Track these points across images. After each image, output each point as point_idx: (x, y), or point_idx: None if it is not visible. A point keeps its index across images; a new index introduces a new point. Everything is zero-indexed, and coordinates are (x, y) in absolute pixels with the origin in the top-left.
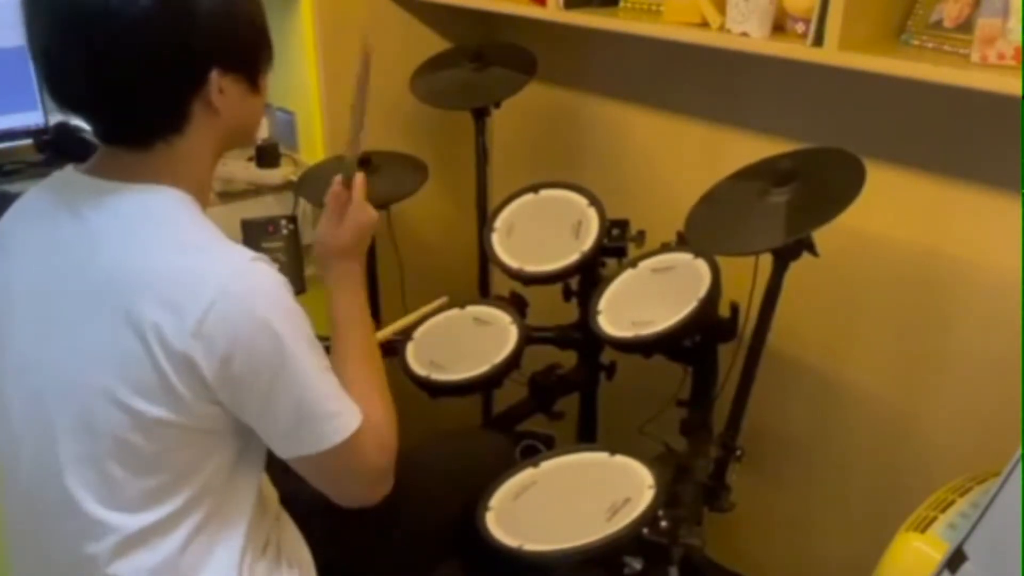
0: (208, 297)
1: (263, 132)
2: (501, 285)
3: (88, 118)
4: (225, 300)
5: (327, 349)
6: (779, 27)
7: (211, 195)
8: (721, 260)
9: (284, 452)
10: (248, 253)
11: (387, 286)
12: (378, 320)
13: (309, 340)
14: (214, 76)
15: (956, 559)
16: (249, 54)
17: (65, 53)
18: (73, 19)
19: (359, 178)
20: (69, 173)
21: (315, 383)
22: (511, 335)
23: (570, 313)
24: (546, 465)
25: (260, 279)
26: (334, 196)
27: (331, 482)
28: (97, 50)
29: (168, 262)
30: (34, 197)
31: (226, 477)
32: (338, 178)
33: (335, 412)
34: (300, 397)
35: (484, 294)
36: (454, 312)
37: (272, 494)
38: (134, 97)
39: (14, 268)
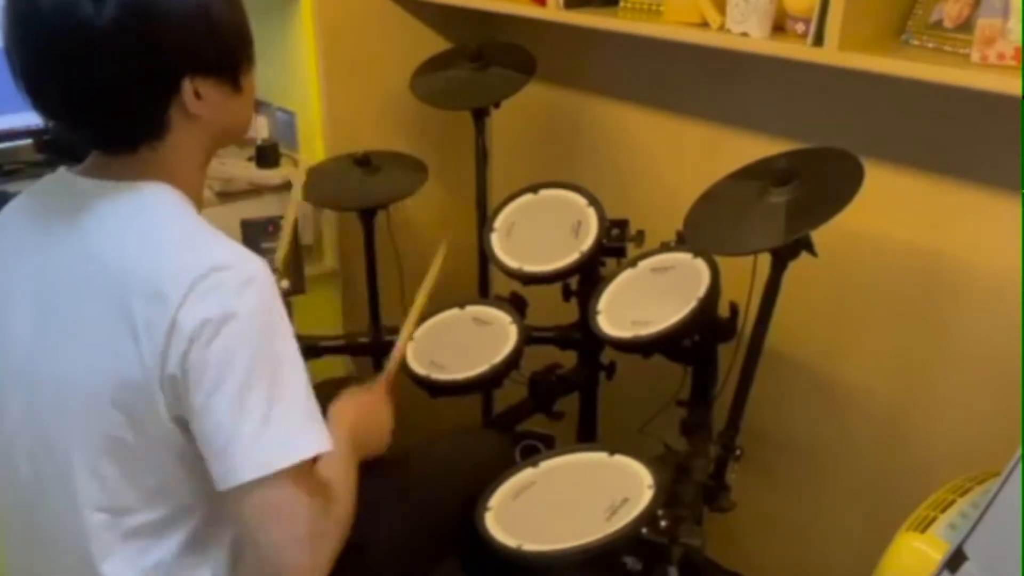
0: (184, 290)
1: (263, 132)
2: (501, 285)
3: (68, 127)
4: (199, 294)
5: (322, 350)
6: (779, 27)
7: (209, 197)
8: (720, 260)
9: (241, 473)
10: (243, 252)
11: (387, 286)
12: (377, 324)
13: (287, 346)
14: (187, 83)
15: (956, 559)
16: (226, 57)
17: (37, 65)
18: (41, 32)
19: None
20: (62, 174)
21: (290, 389)
22: (511, 335)
23: (570, 313)
24: (545, 465)
25: (244, 277)
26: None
27: (258, 522)
28: (65, 62)
29: (157, 257)
30: (26, 200)
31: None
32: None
33: (299, 426)
34: (272, 399)
35: (484, 294)
36: (454, 312)
37: None
38: (107, 107)
39: (10, 268)
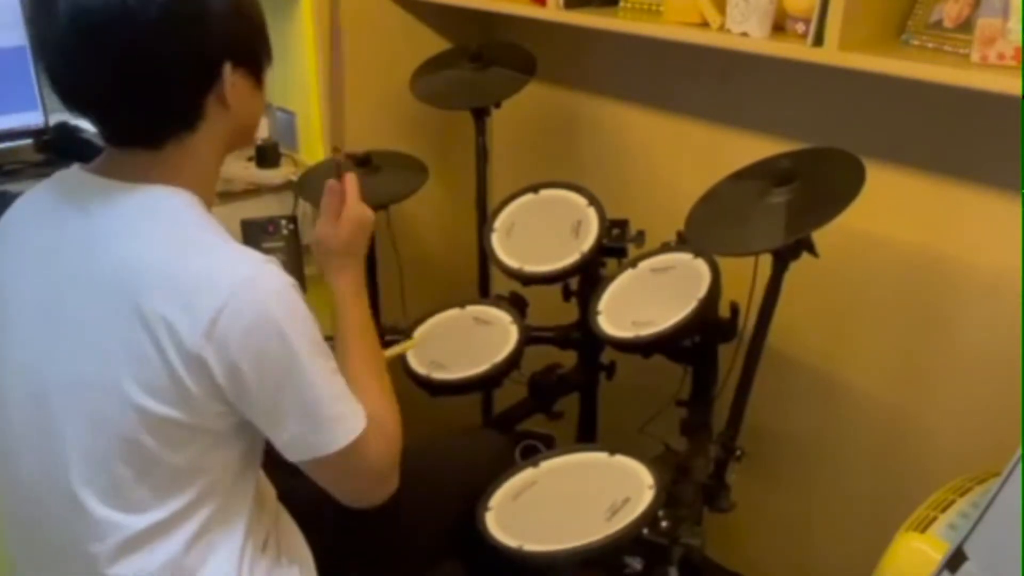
0: (221, 298)
1: (263, 132)
2: (501, 285)
3: (102, 118)
4: (237, 302)
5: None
6: (779, 27)
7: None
8: (721, 260)
9: (293, 456)
10: (259, 255)
11: (387, 286)
12: (377, 320)
13: (317, 343)
14: (227, 71)
15: (956, 559)
16: (256, 50)
17: (83, 55)
18: (92, 21)
19: (350, 177)
20: (75, 172)
21: (322, 386)
22: (511, 335)
23: (570, 313)
24: (546, 465)
25: (272, 282)
26: (329, 192)
27: (337, 483)
28: (116, 51)
29: (178, 262)
30: (38, 196)
31: (228, 477)
32: (331, 179)
33: (341, 415)
34: (307, 400)
35: (484, 294)
36: (454, 312)
37: (270, 491)
38: (152, 95)
39: (15, 266)
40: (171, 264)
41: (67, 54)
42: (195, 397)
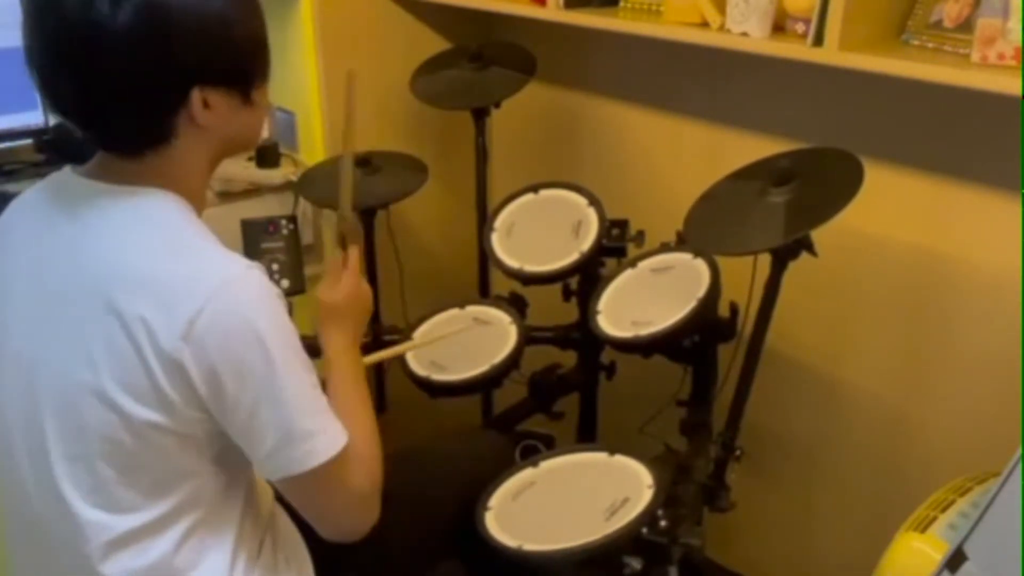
0: (200, 301)
1: (263, 132)
2: (501, 285)
3: (76, 125)
4: (217, 305)
5: (321, 349)
6: (779, 27)
7: (209, 197)
8: (720, 260)
9: (271, 474)
10: (243, 261)
11: (386, 286)
12: (377, 319)
13: (298, 354)
14: (195, 93)
15: (956, 559)
16: (239, 70)
17: (52, 64)
18: (58, 26)
19: (353, 253)
20: (66, 175)
21: (300, 399)
22: (511, 335)
23: (570, 313)
24: (545, 465)
25: (254, 288)
26: (332, 261)
27: (314, 508)
28: (80, 63)
29: (160, 263)
30: (31, 197)
31: (217, 481)
32: (338, 251)
33: (317, 431)
34: (284, 411)
35: (484, 294)
36: (454, 312)
37: (267, 492)
38: (116, 110)
39: (12, 266)
40: (153, 265)
41: (40, 60)
42: (174, 402)
